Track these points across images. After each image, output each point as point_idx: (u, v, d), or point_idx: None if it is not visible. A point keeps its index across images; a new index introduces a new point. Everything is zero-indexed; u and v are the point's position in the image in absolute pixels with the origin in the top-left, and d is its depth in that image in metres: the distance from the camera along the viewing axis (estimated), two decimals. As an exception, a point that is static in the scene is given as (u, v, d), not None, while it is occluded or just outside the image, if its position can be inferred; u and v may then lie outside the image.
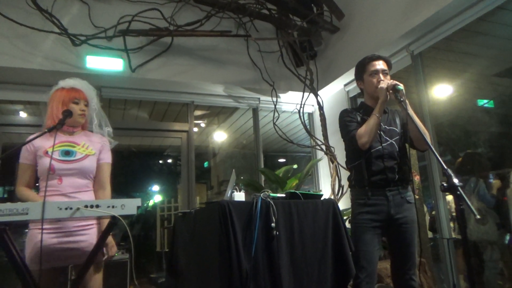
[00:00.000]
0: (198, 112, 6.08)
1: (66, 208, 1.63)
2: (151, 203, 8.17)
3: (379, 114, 2.15)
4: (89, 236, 2.05)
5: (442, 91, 5.24)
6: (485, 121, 5.79)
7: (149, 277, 4.35)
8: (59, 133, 2.10)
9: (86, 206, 1.66)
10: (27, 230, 2.04)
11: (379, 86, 2.18)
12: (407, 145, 2.30)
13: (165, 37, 4.39)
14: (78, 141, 2.17)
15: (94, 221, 2.08)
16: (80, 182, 2.09)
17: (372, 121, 2.15)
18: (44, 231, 1.89)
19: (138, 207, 1.75)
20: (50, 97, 2.21)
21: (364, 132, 2.16)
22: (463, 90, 5.47)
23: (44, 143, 2.06)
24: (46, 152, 2.03)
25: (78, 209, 1.65)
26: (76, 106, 2.16)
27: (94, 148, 2.21)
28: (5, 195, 6.50)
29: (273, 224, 1.77)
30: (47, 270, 1.91)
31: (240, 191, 2.11)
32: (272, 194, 1.89)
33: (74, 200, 1.98)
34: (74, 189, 2.05)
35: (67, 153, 2.08)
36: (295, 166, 4.37)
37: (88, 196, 2.11)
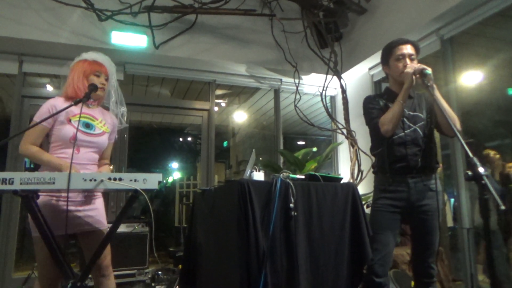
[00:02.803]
0: (219, 91, 6.08)
1: (90, 180, 1.68)
2: (170, 179, 8.32)
3: (403, 100, 2.10)
4: (95, 206, 2.12)
5: (471, 79, 5.05)
6: (516, 111, 5.58)
7: (168, 251, 4.47)
8: (78, 104, 2.08)
9: (109, 179, 1.70)
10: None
11: (405, 71, 2.12)
12: (435, 131, 2.25)
13: (189, 14, 4.37)
14: (96, 115, 2.20)
15: (99, 193, 2.15)
16: (93, 156, 2.16)
17: (395, 108, 2.10)
18: (56, 198, 1.97)
19: (159, 182, 1.79)
20: (71, 67, 2.23)
21: (387, 119, 2.12)
22: (494, 77, 5.26)
23: (66, 110, 2.03)
24: (69, 120, 2.04)
25: (102, 181, 1.70)
26: (96, 78, 2.17)
27: (109, 126, 2.26)
28: (32, 165, 6.73)
29: (291, 205, 1.78)
30: (58, 236, 1.91)
31: (259, 171, 2.12)
32: (291, 175, 1.89)
33: (86, 171, 2.04)
34: (88, 161, 2.11)
35: (87, 125, 2.12)
36: (314, 149, 4.34)
37: (95, 169, 2.17)
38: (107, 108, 2.37)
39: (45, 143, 2.09)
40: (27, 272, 4.01)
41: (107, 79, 2.24)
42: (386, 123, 2.12)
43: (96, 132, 2.14)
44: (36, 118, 2.02)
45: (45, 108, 2.04)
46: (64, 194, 1.96)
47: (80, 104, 2.03)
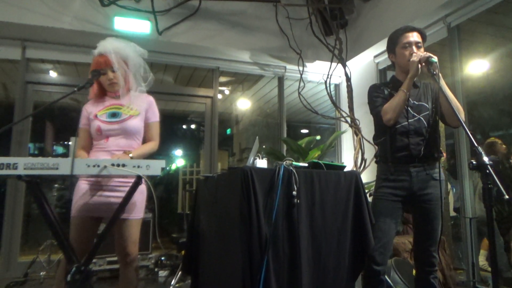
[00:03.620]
0: (223, 79, 6.05)
1: (94, 166, 1.69)
2: (173, 166, 8.35)
3: (406, 89, 2.08)
4: (124, 193, 2.10)
5: (477, 67, 5.00)
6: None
7: (171, 237, 4.52)
8: (108, 98, 2.26)
9: (112, 165, 1.71)
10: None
11: (410, 60, 2.09)
12: (439, 121, 2.23)
13: (193, 0, 4.32)
14: (123, 102, 2.25)
15: (131, 180, 2.13)
16: (124, 142, 2.19)
17: (398, 97, 2.08)
18: (86, 184, 2.10)
19: (162, 169, 1.79)
20: None
21: (389, 108, 2.10)
22: (501, 66, 5.19)
23: (94, 108, 2.22)
24: (96, 116, 2.19)
25: (105, 167, 1.70)
26: (103, 76, 2.19)
27: (139, 108, 2.26)
28: (36, 151, 6.77)
29: (294, 192, 1.78)
30: (88, 218, 2.08)
31: (262, 159, 2.12)
32: (294, 163, 1.89)
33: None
34: (118, 148, 2.16)
35: (113, 115, 2.20)
36: (318, 137, 4.34)
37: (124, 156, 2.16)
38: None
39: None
40: (32, 256, 4.07)
41: (114, 70, 2.18)
42: (388, 112, 2.10)
43: (122, 118, 2.19)
44: (79, 125, 2.26)
45: (82, 113, 2.26)
46: (94, 180, 2.09)
47: (107, 99, 2.26)
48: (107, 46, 2.21)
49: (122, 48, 2.24)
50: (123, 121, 2.19)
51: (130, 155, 2.10)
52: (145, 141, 2.30)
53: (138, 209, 2.19)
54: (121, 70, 2.22)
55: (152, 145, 2.28)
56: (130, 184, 2.12)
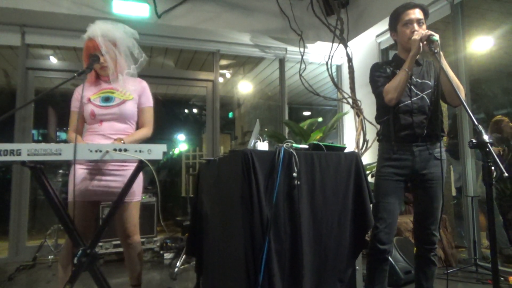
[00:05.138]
0: (223, 62, 6.01)
1: (96, 151, 1.70)
2: (176, 151, 8.39)
3: (408, 68, 2.06)
4: (122, 178, 2.15)
5: (481, 44, 4.92)
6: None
7: (175, 220, 4.57)
8: (101, 82, 2.26)
9: (114, 150, 1.72)
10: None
11: (412, 38, 2.07)
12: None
13: (191, -19, 4.26)
14: (117, 87, 2.25)
15: (129, 164, 2.17)
16: (118, 126, 2.21)
17: (400, 76, 2.07)
18: (85, 169, 2.12)
19: (164, 153, 1.80)
20: None
21: (391, 87, 2.09)
22: (505, 43, 5.12)
23: (87, 92, 2.22)
24: (89, 100, 2.19)
25: (107, 152, 1.71)
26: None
27: (132, 92, 2.26)
28: (40, 137, 6.81)
29: (294, 174, 1.79)
30: (88, 203, 2.13)
31: (263, 141, 2.13)
32: (295, 145, 1.89)
33: (109, 141, 2.11)
34: (113, 131, 2.18)
35: (106, 99, 2.21)
36: (320, 119, 4.32)
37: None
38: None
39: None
40: (40, 241, 4.15)
41: (104, 54, 2.16)
42: (390, 92, 2.09)
43: (115, 103, 2.20)
44: (71, 107, 2.27)
45: (74, 96, 2.27)
46: (90, 165, 2.11)
47: (101, 83, 2.27)
48: (95, 29, 2.18)
49: (110, 30, 2.20)
50: (117, 105, 2.20)
51: (122, 142, 2.10)
52: (138, 126, 2.32)
53: (135, 192, 2.22)
54: (111, 53, 2.19)
55: (145, 131, 2.29)
56: (128, 168, 2.16)
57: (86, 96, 2.20)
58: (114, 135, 2.17)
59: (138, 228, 2.29)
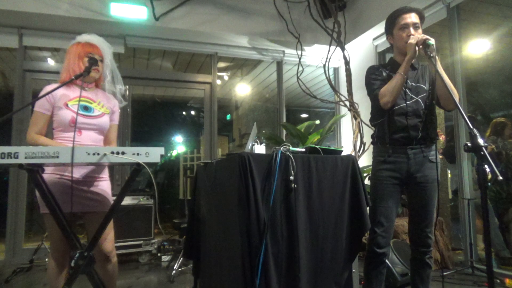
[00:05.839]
0: (221, 64, 6.03)
1: (94, 154, 1.70)
2: (174, 153, 8.38)
3: (404, 72, 2.08)
4: (101, 188, 2.15)
5: (477, 48, 4.95)
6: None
7: (173, 222, 4.58)
8: (75, 88, 2.14)
9: (112, 153, 1.72)
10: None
11: (408, 42, 2.08)
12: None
13: (189, -16, 4.27)
14: (93, 98, 2.20)
15: (106, 175, 2.19)
16: (96, 137, 2.18)
17: (396, 80, 2.09)
18: (64, 178, 2.01)
19: (162, 156, 1.81)
20: (66, 51, 2.21)
21: (386, 91, 2.11)
22: (501, 46, 5.15)
23: (62, 95, 2.07)
24: (67, 105, 2.06)
25: (105, 154, 1.71)
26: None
27: (108, 107, 2.26)
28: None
29: (291, 177, 1.80)
30: (69, 214, 1.98)
31: (261, 144, 2.14)
32: (292, 148, 1.90)
33: None
34: (91, 142, 2.13)
35: (85, 108, 2.14)
36: (317, 122, 4.33)
37: None
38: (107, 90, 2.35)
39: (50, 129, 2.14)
40: (37, 243, 4.14)
41: (101, 60, 2.22)
42: (386, 95, 2.11)
43: (95, 114, 2.16)
44: (36, 107, 2.06)
45: (44, 96, 2.05)
46: (67, 173, 2.00)
47: (76, 89, 2.12)
48: (93, 38, 2.22)
49: (103, 45, 2.25)
50: (97, 117, 2.16)
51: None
52: (104, 140, 2.28)
53: (110, 201, 2.19)
54: (105, 62, 2.23)
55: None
56: (104, 179, 2.16)
57: (62, 100, 2.06)
58: (93, 145, 2.11)
59: (112, 239, 2.21)
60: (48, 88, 2.06)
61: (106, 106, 2.24)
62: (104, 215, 2.02)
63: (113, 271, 2.23)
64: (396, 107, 2.16)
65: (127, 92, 2.41)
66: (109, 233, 2.16)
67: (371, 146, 2.39)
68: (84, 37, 2.22)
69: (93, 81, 2.23)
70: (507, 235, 4.05)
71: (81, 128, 2.09)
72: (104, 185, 2.19)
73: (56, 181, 2.00)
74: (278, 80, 5.54)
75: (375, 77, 2.25)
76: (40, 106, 2.05)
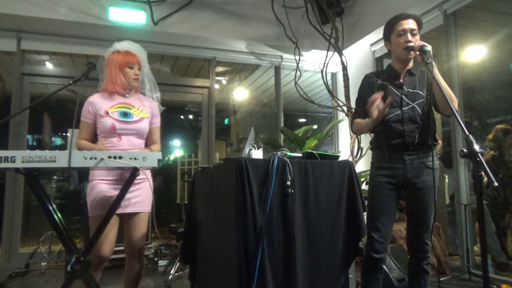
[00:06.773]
0: (219, 69, 6.04)
1: (91, 158, 1.70)
2: (172, 157, 8.37)
3: (373, 124, 2.11)
4: (142, 190, 2.24)
5: (474, 54, 4.99)
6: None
7: (170, 227, 4.56)
8: (116, 95, 2.27)
9: (109, 157, 1.72)
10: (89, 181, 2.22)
11: (373, 106, 2.06)
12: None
13: (188, -11, 4.29)
14: (133, 103, 2.30)
15: (145, 176, 2.25)
16: (136, 141, 2.26)
17: (365, 123, 2.16)
18: (104, 181, 2.16)
19: (159, 160, 1.81)
20: (106, 60, 2.30)
21: (357, 127, 2.29)
22: (497, 53, 5.19)
23: (103, 104, 2.22)
24: (107, 113, 2.20)
25: (102, 159, 1.72)
26: (130, 70, 2.27)
27: (147, 111, 2.34)
28: (34, 143, 6.78)
29: (288, 182, 1.80)
30: (95, 216, 2.12)
31: (258, 149, 2.14)
32: (289, 153, 1.91)
33: None
34: (130, 146, 2.22)
35: (125, 114, 2.24)
36: (315, 127, 4.34)
37: None
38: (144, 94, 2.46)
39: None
40: (33, 247, 4.12)
41: (140, 69, 2.32)
42: (355, 130, 2.34)
43: (134, 120, 2.26)
44: (81, 117, 2.24)
45: (85, 107, 2.24)
46: (110, 178, 2.15)
47: (116, 96, 2.27)
48: (131, 47, 2.33)
49: (141, 53, 2.36)
50: (136, 122, 2.26)
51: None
52: (147, 142, 2.38)
53: (144, 202, 2.27)
54: (141, 72, 2.34)
55: (158, 148, 2.41)
56: (144, 179, 2.23)
57: (103, 108, 2.20)
58: (132, 150, 2.21)
59: (144, 241, 2.31)
60: (90, 99, 2.24)
61: (145, 111, 2.33)
62: (143, 216, 2.26)
63: (136, 269, 2.30)
64: (392, 115, 2.17)
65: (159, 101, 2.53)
66: (143, 228, 2.28)
67: (368, 151, 2.41)
68: (123, 46, 2.30)
69: (132, 88, 2.33)
70: (503, 241, 4.06)
71: (120, 134, 2.21)
72: (145, 186, 2.26)
73: (100, 186, 2.14)
74: (276, 85, 5.55)
75: (360, 103, 2.32)
76: (84, 115, 2.23)
